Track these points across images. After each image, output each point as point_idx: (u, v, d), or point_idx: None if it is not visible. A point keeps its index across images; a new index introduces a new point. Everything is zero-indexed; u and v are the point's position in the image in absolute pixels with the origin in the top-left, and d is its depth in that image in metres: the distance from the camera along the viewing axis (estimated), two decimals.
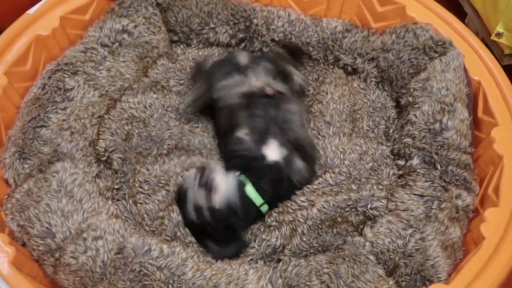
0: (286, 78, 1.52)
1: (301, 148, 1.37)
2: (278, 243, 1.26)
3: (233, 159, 1.38)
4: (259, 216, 1.32)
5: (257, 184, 1.30)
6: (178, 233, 1.29)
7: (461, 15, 1.64)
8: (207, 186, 1.24)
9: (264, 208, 1.31)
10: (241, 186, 1.28)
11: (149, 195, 1.36)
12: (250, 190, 1.29)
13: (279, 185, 1.32)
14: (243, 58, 1.56)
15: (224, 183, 1.26)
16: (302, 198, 1.33)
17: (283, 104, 1.43)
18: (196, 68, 1.62)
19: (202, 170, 1.27)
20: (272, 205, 1.33)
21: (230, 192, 1.26)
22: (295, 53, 1.68)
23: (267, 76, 1.48)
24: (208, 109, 1.53)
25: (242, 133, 1.37)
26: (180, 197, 1.29)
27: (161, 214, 1.33)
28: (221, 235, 1.25)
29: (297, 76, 1.52)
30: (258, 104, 1.41)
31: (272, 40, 1.71)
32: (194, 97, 1.53)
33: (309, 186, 1.36)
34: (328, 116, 1.52)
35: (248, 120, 1.38)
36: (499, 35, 1.64)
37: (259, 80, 1.46)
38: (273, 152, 1.33)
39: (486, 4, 1.67)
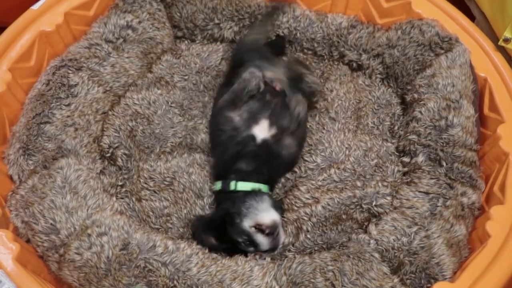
0: (298, 81, 1.52)
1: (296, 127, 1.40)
2: (286, 242, 1.26)
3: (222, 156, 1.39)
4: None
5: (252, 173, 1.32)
6: (187, 233, 1.31)
7: (469, 18, 1.61)
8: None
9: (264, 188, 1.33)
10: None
11: (155, 192, 1.36)
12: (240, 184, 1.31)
13: (269, 161, 1.34)
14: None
15: None
16: (307, 195, 1.33)
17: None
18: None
19: None
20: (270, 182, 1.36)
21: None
22: (277, 44, 1.71)
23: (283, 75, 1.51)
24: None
25: (235, 114, 1.38)
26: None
27: (166, 211, 1.33)
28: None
29: (309, 78, 1.50)
30: (264, 92, 1.42)
31: (277, 36, 1.71)
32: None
33: (313, 182, 1.36)
34: (333, 112, 1.52)
35: (248, 103, 1.40)
36: (507, 40, 1.58)
37: (275, 72, 1.49)
38: (262, 131, 1.35)
39: (495, 8, 1.61)
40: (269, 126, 1.36)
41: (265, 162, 1.35)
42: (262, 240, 1.23)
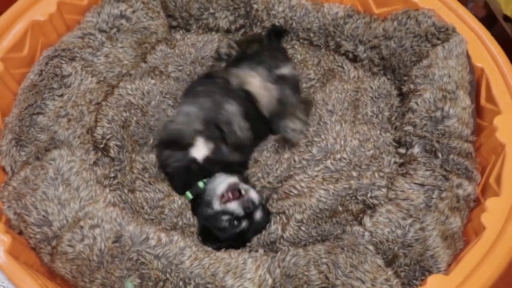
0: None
1: None
2: (279, 233, 1.26)
3: None
4: None
5: None
6: (180, 223, 1.30)
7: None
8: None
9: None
10: None
11: (150, 184, 1.36)
12: None
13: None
14: None
15: None
16: (302, 184, 1.32)
17: None
18: None
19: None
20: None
21: None
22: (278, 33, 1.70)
23: None
24: None
25: None
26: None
27: (161, 203, 1.33)
28: None
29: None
30: None
31: (273, 25, 1.68)
32: None
33: (309, 172, 1.35)
34: (331, 105, 1.50)
35: None
36: None
37: None
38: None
39: None
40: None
41: None
42: (234, 206, 1.25)
